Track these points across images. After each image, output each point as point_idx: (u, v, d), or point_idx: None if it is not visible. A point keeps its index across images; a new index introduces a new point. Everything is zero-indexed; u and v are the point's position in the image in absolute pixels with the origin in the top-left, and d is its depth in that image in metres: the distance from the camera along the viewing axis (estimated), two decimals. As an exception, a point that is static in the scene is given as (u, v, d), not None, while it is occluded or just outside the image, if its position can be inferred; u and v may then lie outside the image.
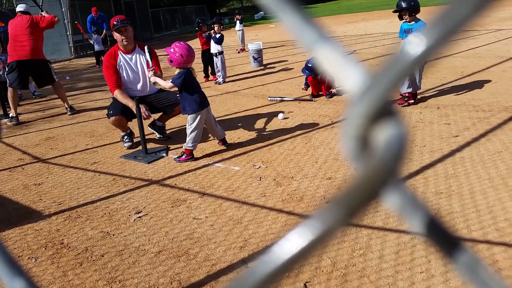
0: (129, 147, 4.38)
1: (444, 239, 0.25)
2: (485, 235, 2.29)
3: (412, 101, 4.99)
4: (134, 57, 4.30)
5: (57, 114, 6.40)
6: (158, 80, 3.85)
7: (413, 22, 4.89)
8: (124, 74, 4.29)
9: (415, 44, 0.22)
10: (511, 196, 2.67)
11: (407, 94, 4.97)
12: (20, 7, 6.06)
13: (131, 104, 4.09)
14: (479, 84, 5.68)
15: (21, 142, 5.01)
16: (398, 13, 4.93)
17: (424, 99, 5.19)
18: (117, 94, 4.12)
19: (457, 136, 3.84)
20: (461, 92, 5.37)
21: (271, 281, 0.23)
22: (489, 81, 5.81)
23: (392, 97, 0.23)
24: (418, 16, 4.90)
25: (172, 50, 3.68)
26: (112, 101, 4.42)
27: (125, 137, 4.44)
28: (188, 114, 3.75)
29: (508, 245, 2.19)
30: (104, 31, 12.38)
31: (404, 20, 4.94)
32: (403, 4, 4.77)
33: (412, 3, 4.76)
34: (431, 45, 0.22)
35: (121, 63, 4.25)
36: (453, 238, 0.25)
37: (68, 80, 9.96)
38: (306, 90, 6.03)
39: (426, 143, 3.72)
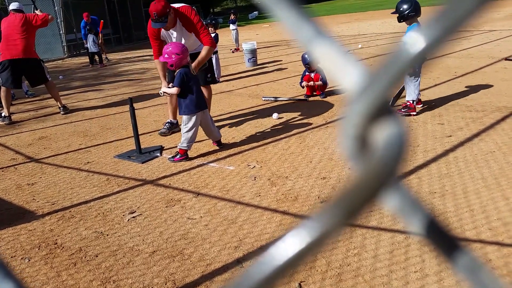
0: (162, 134, 4.64)
1: (443, 240, 0.25)
2: (479, 234, 2.30)
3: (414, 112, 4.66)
4: (175, 32, 4.35)
5: (50, 113, 6.35)
6: (166, 90, 3.88)
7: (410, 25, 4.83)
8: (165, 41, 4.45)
9: (414, 42, 0.22)
10: (504, 195, 2.69)
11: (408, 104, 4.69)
12: (13, 5, 6.02)
13: (162, 79, 4.47)
14: (472, 84, 5.71)
15: (13, 142, 4.97)
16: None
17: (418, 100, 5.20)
18: (157, 63, 4.42)
19: (450, 136, 3.86)
20: (454, 92, 5.40)
21: (268, 284, 0.23)
22: (482, 81, 5.85)
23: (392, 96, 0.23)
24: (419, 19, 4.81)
25: (166, 55, 3.69)
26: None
27: (167, 124, 4.72)
28: (184, 115, 3.76)
29: (501, 245, 2.20)
30: (99, 33, 12.32)
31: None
32: (396, 9, 4.68)
33: (401, 9, 4.57)
34: (430, 43, 0.22)
35: (163, 35, 4.38)
36: (452, 239, 0.24)
37: (61, 80, 9.89)
38: (303, 87, 5.97)
39: (420, 143, 3.73)
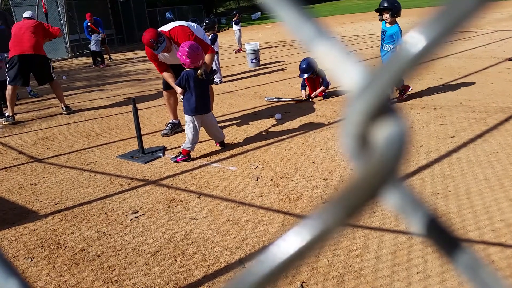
0: (164, 135, 4.68)
1: (444, 239, 0.25)
2: (482, 235, 2.30)
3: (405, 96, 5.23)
4: (172, 53, 4.35)
5: (53, 113, 6.37)
6: (178, 93, 4.03)
7: (390, 25, 4.92)
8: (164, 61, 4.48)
9: (415, 41, 0.22)
10: (507, 196, 2.68)
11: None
12: (26, 14, 6.27)
13: (175, 87, 4.37)
14: (475, 85, 5.69)
15: (17, 142, 4.99)
16: (379, 13, 4.97)
17: (421, 100, 5.20)
18: (164, 75, 4.54)
19: (453, 136, 3.85)
20: (457, 93, 5.38)
21: (269, 282, 0.23)
22: (485, 82, 5.83)
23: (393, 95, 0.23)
24: (398, 20, 4.93)
25: (180, 52, 3.71)
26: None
27: (169, 124, 4.77)
28: (185, 114, 3.79)
29: (504, 246, 2.19)
30: (102, 34, 12.36)
31: (384, 20, 4.98)
32: (385, 4, 4.82)
33: (395, 4, 4.79)
34: (430, 42, 0.22)
35: (161, 57, 4.39)
36: (453, 239, 0.24)
37: (64, 80, 9.92)
38: (304, 91, 5.93)
39: (423, 144, 3.72)
